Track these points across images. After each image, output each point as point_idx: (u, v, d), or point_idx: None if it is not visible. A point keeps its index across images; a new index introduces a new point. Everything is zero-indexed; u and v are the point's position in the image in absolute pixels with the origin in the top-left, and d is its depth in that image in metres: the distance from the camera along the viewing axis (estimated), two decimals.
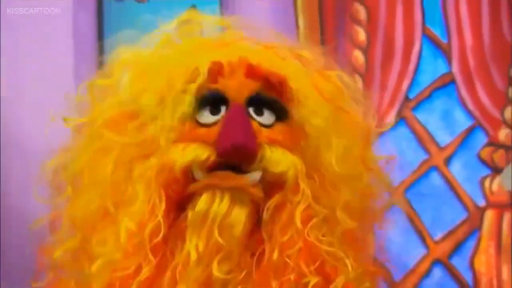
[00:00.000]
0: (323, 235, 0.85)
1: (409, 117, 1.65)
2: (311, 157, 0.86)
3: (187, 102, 0.85)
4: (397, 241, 1.47)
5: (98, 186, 0.89)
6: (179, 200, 0.86)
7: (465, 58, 1.65)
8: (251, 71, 0.86)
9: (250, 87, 0.85)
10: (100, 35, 1.56)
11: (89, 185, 0.90)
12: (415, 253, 1.54)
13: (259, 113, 0.85)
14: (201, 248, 0.82)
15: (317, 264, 0.84)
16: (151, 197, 0.85)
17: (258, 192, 0.84)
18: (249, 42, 0.93)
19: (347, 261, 0.85)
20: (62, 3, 1.51)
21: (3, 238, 1.44)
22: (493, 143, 1.62)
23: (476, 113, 1.64)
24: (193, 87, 0.84)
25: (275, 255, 0.83)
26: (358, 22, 1.66)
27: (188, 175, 0.84)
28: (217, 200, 0.83)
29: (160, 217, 0.83)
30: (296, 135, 0.86)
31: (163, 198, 0.84)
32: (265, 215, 0.84)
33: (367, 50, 1.66)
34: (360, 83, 1.65)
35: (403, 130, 1.66)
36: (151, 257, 0.83)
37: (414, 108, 1.67)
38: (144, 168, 0.86)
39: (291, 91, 0.85)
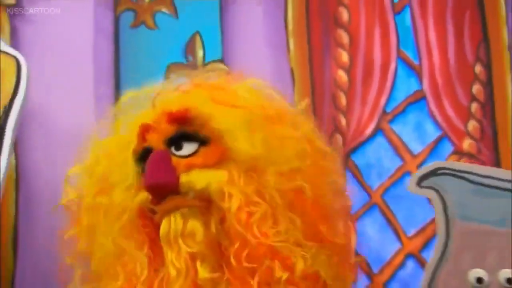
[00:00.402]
0: (268, 227, 0.93)
1: (386, 129, 1.75)
2: (243, 163, 0.96)
3: (132, 171, 1.00)
4: (375, 238, 1.57)
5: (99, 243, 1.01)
6: (155, 230, 0.97)
7: (434, 78, 1.75)
8: (169, 117, 0.99)
9: (168, 131, 0.98)
10: (117, 57, 1.69)
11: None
12: (391, 247, 1.61)
13: (179, 148, 0.97)
14: (175, 262, 0.92)
15: (271, 256, 0.92)
16: (134, 242, 0.98)
17: (194, 202, 0.95)
18: (172, 93, 1.05)
19: (298, 250, 0.93)
20: (84, 29, 1.66)
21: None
22: (458, 152, 1.72)
23: (444, 125, 1.73)
24: (130, 157, 0.99)
25: (235, 263, 0.92)
26: (341, 45, 1.78)
27: (145, 212, 0.98)
28: (172, 220, 0.94)
29: (144, 258, 0.96)
30: (220, 150, 0.97)
31: (141, 238, 0.98)
32: (213, 228, 0.94)
33: (349, 70, 1.77)
34: (343, 99, 1.75)
35: (381, 140, 1.75)
36: (143, 275, 0.94)
37: (391, 121, 1.76)
38: (116, 218, 1.00)
39: (202, 117, 0.98)
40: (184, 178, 0.93)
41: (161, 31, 1.72)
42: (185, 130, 0.97)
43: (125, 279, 0.98)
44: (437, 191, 1.08)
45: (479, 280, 1.04)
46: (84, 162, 1.07)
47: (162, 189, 0.93)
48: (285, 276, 0.90)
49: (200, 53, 1.73)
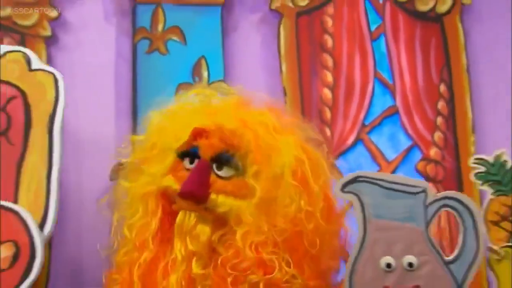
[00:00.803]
0: (262, 248, 1.04)
1: (365, 139, 1.88)
2: (261, 202, 1.08)
3: (172, 155, 1.12)
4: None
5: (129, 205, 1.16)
6: (171, 212, 1.12)
7: (405, 95, 1.90)
8: (222, 136, 1.10)
9: (217, 148, 1.10)
10: (134, 77, 1.81)
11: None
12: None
13: (219, 168, 1.10)
14: (183, 251, 1.06)
15: (254, 267, 1.04)
16: (151, 207, 1.13)
17: (206, 213, 1.07)
18: (229, 111, 1.16)
19: (281, 263, 1.04)
20: (108, 55, 1.80)
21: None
22: (426, 159, 1.86)
23: (414, 136, 1.87)
24: (178, 145, 1.11)
25: (219, 262, 1.06)
26: (326, 68, 1.90)
27: (171, 195, 1.11)
28: (187, 215, 1.08)
29: (158, 220, 1.10)
30: (247, 185, 1.09)
31: (160, 208, 1.12)
32: (214, 237, 1.07)
33: (333, 89, 1.89)
34: (328, 113, 1.88)
35: (360, 149, 1.87)
36: (152, 246, 1.09)
37: (369, 132, 1.88)
38: (148, 190, 1.14)
39: (250, 157, 1.10)
40: (213, 197, 1.07)
41: (171, 56, 1.84)
42: (233, 156, 1.09)
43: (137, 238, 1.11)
44: (356, 195, 1.14)
45: (388, 265, 1.13)
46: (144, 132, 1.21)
47: (193, 198, 1.07)
48: (256, 278, 1.03)
49: (205, 74, 1.86)
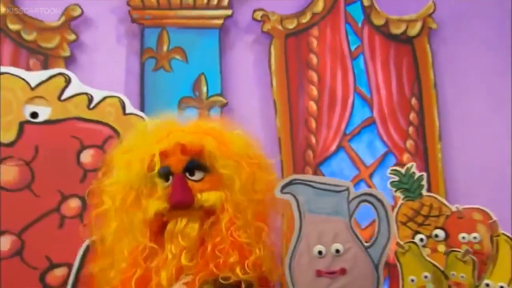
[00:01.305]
0: (242, 233, 1.15)
1: (346, 146, 2.00)
2: (232, 189, 1.19)
3: (157, 181, 1.17)
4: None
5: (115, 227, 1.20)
6: (158, 228, 1.19)
7: (382, 108, 2.02)
8: (183, 150, 1.20)
9: (184, 160, 1.19)
10: (142, 91, 1.94)
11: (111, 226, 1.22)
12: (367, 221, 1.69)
13: (192, 174, 1.19)
14: (173, 250, 1.15)
15: (237, 250, 1.13)
16: (137, 234, 1.18)
17: (202, 215, 1.17)
18: (180, 126, 1.24)
19: (257, 247, 1.15)
20: (119, 72, 1.94)
21: None
22: (399, 163, 1.93)
23: (389, 143, 2.00)
24: (154, 173, 1.17)
25: (209, 249, 1.15)
26: (312, 83, 2.03)
27: (159, 215, 1.18)
28: (178, 221, 1.17)
29: (146, 241, 1.16)
30: (219, 180, 1.20)
31: (147, 231, 1.18)
32: (205, 225, 1.17)
33: (318, 101, 2.01)
34: (314, 123, 1.99)
35: (342, 155, 2.00)
36: (142, 263, 1.16)
37: (350, 140, 2.01)
38: (135, 218, 1.19)
39: (209, 156, 1.20)
40: (198, 197, 1.18)
41: (175, 73, 1.97)
42: (198, 162, 1.20)
43: (130, 253, 1.18)
44: (293, 195, 1.22)
45: (320, 252, 1.20)
46: (112, 171, 1.25)
47: (183, 205, 1.17)
48: (235, 259, 1.12)
49: (204, 89, 1.98)
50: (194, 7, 2.02)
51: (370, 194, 1.21)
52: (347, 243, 1.19)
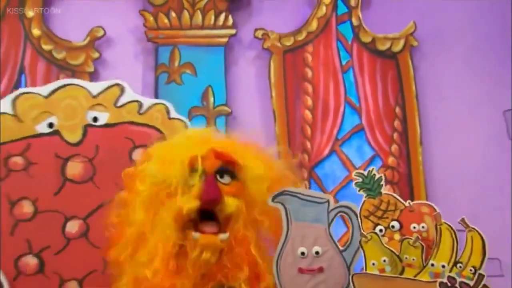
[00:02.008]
0: (257, 250, 1.21)
1: (338, 150, 2.07)
2: (248, 199, 1.26)
3: (193, 180, 1.21)
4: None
5: (141, 223, 1.24)
6: (184, 225, 1.22)
7: (369, 115, 2.09)
8: (217, 156, 1.27)
9: (216, 164, 1.26)
10: None
11: (138, 221, 1.24)
12: (342, 230, 1.67)
13: (222, 177, 1.26)
14: (193, 273, 1.18)
15: (247, 266, 1.19)
16: (171, 229, 1.20)
17: (224, 245, 1.20)
18: (217, 139, 1.33)
19: (268, 270, 1.22)
20: (136, 85, 1.97)
21: None
22: (385, 166, 2.04)
23: (376, 148, 2.07)
24: (198, 172, 1.21)
25: (228, 261, 1.20)
26: (307, 93, 2.10)
27: (189, 214, 1.21)
28: (204, 253, 1.20)
29: (174, 238, 1.19)
30: (240, 187, 1.27)
31: (177, 229, 1.20)
32: (225, 238, 1.21)
33: (313, 110, 2.08)
34: (309, 130, 2.04)
35: (334, 158, 2.06)
36: (172, 260, 1.20)
37: (341, 145, 2.07)
38: (168, 212, 1.21)
39: (239, 166, 1.28)
40: (225, 199, 1.23)
41: (185, 86, 2.04)
42: (228, 167, 1.27)
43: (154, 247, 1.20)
44: (282, 204, 1.29)
45: (302, 253, 1.27)
46: (149, 169, 1.28)
47: (214, 202, 1.22)
48: (245, 275, 1.18)
49: (211, 99, 2.04)
50: (202, 27, 2.10)
51: (346, 206, 1.33)
52: (325, 246, 1.28)
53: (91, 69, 2.03)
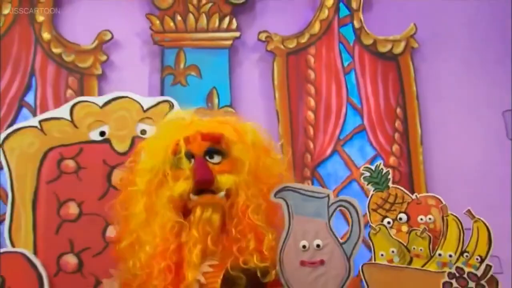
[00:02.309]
0: (255, 215, 1.21)
1: (340, 150, 2.07)
2: (243, 174, 1.25)
3: (183, 164, 1.21)
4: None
5: (141, 211, 1.25)
6: (183, 209, 1.22)
7: (371, 116, 2.09)
8: (203, 137, 1.26)
9: (204, 146, 1.25)
10: None
11: (138, 209, 1.25)
12: (343, 231, 1.57)
13: (211, 157, 1.25)
14: (198, 234, 1.19)
15: (253, 233, 1.21)
16: (166, 211, 1.21)
17: (225, 202, 1.22)
18: (202, 119, 1.31)
19: (269, 231, 1.23)
20: (142, 87, 2.03)
21: None
22: (386, 165, 1.88)
23: (377, 147, 2.07)
24: (181, 155, 1.21)
25: (235, 232, 1.21)
26: (310, 95, 2.10)
27: (183, 197, 1.21)
28: (205, 211, 1.21)
29: (174, 217, 1.20)
30: (234, 164, 1.26)
31: (172, 210, 1.21)
32: (225, 212, 1.22)
33: (315, 111, 2.08)
34: (311, 131, 2.04)
35: (336, 158, 2.06)
36: (172, 239, 1.21)
37: (343, 145, 2.08)
38: (162, 197, 1.22)
39: (227, 142, 1.26)
40: (217, 179, 1.24)
41: (190, 87, 2.05)
42: (217, 147, 1.27)
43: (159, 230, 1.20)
44: (284, 199, 1.31)
45: (304, 246, 1.29)
46: (140, 158, 1.31)
47: (206, 183, 1.22)
48: (253, 245, 1.20)
49: (216, 101, 2.05)
50: (207, 30, 2.12)
51: (345, 201, 1.35)
52: (326, 239, 1.31)
53: (99, 71, 2.06)
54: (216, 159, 1.27)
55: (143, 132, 1.73)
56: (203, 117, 1.34)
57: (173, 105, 1.76)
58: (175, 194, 1.23)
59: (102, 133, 1.72)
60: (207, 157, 1.26)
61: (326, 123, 2.08)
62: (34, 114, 1.98)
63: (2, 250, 1.66)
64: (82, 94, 1.98)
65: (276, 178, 1.33)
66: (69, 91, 2.01)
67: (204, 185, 1.23)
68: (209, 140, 1.27)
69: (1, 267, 1.58)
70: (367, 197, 1.89)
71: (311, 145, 2.07)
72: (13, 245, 1.65)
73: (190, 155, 1.26)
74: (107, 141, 1.71)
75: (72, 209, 1.69)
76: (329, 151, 2.07)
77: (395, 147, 2.07)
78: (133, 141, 1.71)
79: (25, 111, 2.02)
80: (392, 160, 2.06)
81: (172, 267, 1.20)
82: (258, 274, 1.21)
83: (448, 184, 2.01)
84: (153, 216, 1.25)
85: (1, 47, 2.03)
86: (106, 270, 1.58)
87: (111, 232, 1.64)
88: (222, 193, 1.24)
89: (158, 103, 1.76)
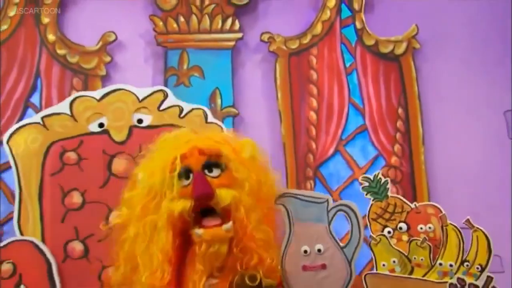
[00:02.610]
0: (256, 233, 1.19)
1: (342, 150, 2.07)
2: (243, 191, 1.23)
3: (175, 181, 1.18)
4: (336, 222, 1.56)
5: (138, 232, 1.21)
6: (182, 230, 1.19)
7: (372, 116, 2.09)
8: (201, 152, 1.24)
9: (202, 159, 1.23)
10: None
11: (133, 231, 1.22)
12: (347, 228, 1.60)
13: (210, 171, 1.22)
14: (203, 267, 1.17)
15: (254, 250, 1.18)
16: (165, 233, 1.17)
17: (231, 234, 1.17)
18: (199, 136, 1.31)
19: (268, 251, 1.19)
20: (146, 87, 1.94)
21: None
22: (388, 165, 2.03)
23: (379, 147, 2.06)
24: (175, 173, 1.17)
25: (235, 251, 1.19)
26: (312, 95, 2.10)
27: (183, 215, 1.18)
28: (211, 246, 1.17)
29: (169, 240, 1.15)
30: (232, 177, 1.23)
31: (171, 232, 1.17)
32: (228, 227, 1.17)
33: (317, 111, 2.08)
34: (314, 131, 2.04)
35: (338, 158, 2.06)
36: (167, 267, 1.16)
37: (345, 145, 2.07)
38: (160, 217, 1.18)
39: (224, 157, 1.24)
40: (217, 193, 1.20)
41: (193, 88, 2.06)
42: (215, 161, 1.25)
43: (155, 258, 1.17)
44: (284, 205, 1.34)
45: (305, 251, 1.31)
46: (137, 178, 1.27)
47: (206, 198, 1.18)
48: (255, 261, 1.18)
49: (219, 101, 2.05)
50: (210, 31, 2.12)
51: (345, 205, 1.36)
52: (327, 244, 1.33)
53: (103, 72, 2.07)
54: (215, 172, 1.24)
55: (140, 121, 1.80)
56: (199, 134, 1.34)
57: (166, 94, 1.81)
58: (175, 213, 1.20)
59: (101, 125, 1.79)
60: (206, 171, 1.23)
61: (328, 123, 2.08)
62: None
63: (13, 238, 1.73)
64: None
65: (273, 195, 1.32)
66: (74, 92, 2.01)
67: (205, 200, 1.20)
68: (207, 154, 1.25)
69: (12, 254, 1.66)
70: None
71: (313, 145, 2.07)
72: (22, 235, 1.72)
73: (188, 171, 1.23)
74: (106, 132, 1.77)
75: (76, 198, 1.76)
76: (331, 151, 2.07)
77: (397, 147, 2.06)
78: (131, 130, 1.78)
79: (30, 111, 2.03)
80: (393, 160, 2.06)
81: None
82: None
83: (449, 184, 2.02)
84: (144, 243, 1.22)
85: (7, 49, 2.04)
86: (110, 254, 1.59)
87: (113, 217, 1.66)
88: (229, 225, 1.20)
89: (152, 92, 1.81)
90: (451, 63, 2.11)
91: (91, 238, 1.74)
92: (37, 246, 1.70)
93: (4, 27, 2.04)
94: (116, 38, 2.08)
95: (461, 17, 2.13)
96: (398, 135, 2.07)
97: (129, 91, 1.82)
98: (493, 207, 1.94)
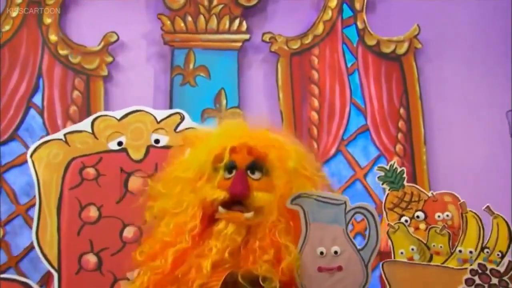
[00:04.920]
0: (282, 235, 1.17)
1: (343, 150, 2.03)
2: (278, 194, 1.21)
3: (220, 172, 1.18)
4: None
5: (170, 202, 1.21)
6: (210, 217, 1.19)
7: (374, 116, 2.04)
8: (249, 151, 1.22)
9: (248, 159, 1.21)
10: (171, 104, 1.96)
11: (165, 201, 1.22)
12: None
13: (253, 173, 1.21)
14: (219, 245, 1.15)
15: (273, 249, 1.15)
16: (195, 211, 1.18)
17: (252, 222, 1.15)
18: (250, 131, 1.25)
19: (291, 250, 1.17)
20: (148, 88, 1.99)
21: None
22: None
23: (380, 147, 2.02)
24: (222, 164, 1.17)
25: (256, 245, 1.15)
26: (314, 95, 2.05)
27: (214, 204, 1.18)
28: (228, 226, 1.16)
29: (197, 221, 1.17)
30: (271, 184, 1.21)
31: (200, 212, 1.18)
32: (252, 228, 1.16)
33: (319, 111, 2.03)
34: (315, 131, 1.98)
35: (340, 158, 2.02)
36: (188, 239, 1.16)
37: (347, 145, 2.03)
38: (194, 197, 1.19)
39: (269, 162, 1.21)
40: (254, 194, 1.18)
41: (199, 88, 2.01)
42: (260, 163, 1.22)
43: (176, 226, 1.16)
44: (300, 206, 1.25)
45: (321, 252, 1.24)
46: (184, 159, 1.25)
47: (240, 197, 1.18)
48: (268, 257, 1.14)
49: (224, 102, 2.00)
50: (217, 31, 2.07)
51: (363, 207, 1.28)
52: (343, 246, 1.25)
53: (105, 73, 2.02)
54: (257, 175, 1.22)
55: (157, 141, 1.81)
56: (253, 130, 1.27)
57: (183, 117, 1.82)
58: (208, 199, 1.19)
59: (120, 143, 1.81)
60: (249, 172, 1.22)
61: (330, 124, 2.04)
62: (42, 115, 1.97)
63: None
64: (88, 95, 1.96)
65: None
66: (76, 92, 1.97)
67: (238, 198, 1.19)
68: (254, 155, 1.22)
69: None
70: (371, 196, 1.95)
71: (315, 145, 2.02)
72: (40, 246, 1.75)
73: (232, 166, 1.22)
74: (124, 150, 1.81)
75: (92, 212, 1.79)
76: (332, 151, 2.02)
77: (399, 147, 2.02)
78: (148, 150, 1.81)
79: (32, 111, 1.98)
80: (395, 160, 1.91)
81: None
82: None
83: (451, 183, 1.93)
84: (174, 215, 1.22)
85: (9, 49, 1.99)
86: (123, 268, 1.61)
87: (128, 232, 1.74)
88: (251, 214, 1.19)
89: (170, 115, 1.83)
90: (453, 63, 2.06)
91: (106, 251, 1.76)
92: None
93: (7, 27, 2.01)
94: (118, 39, 2.03)
95: (463, 17, 2.09)
96: (399, 135, 2.03)
97: (148, 112, 1.84)
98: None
